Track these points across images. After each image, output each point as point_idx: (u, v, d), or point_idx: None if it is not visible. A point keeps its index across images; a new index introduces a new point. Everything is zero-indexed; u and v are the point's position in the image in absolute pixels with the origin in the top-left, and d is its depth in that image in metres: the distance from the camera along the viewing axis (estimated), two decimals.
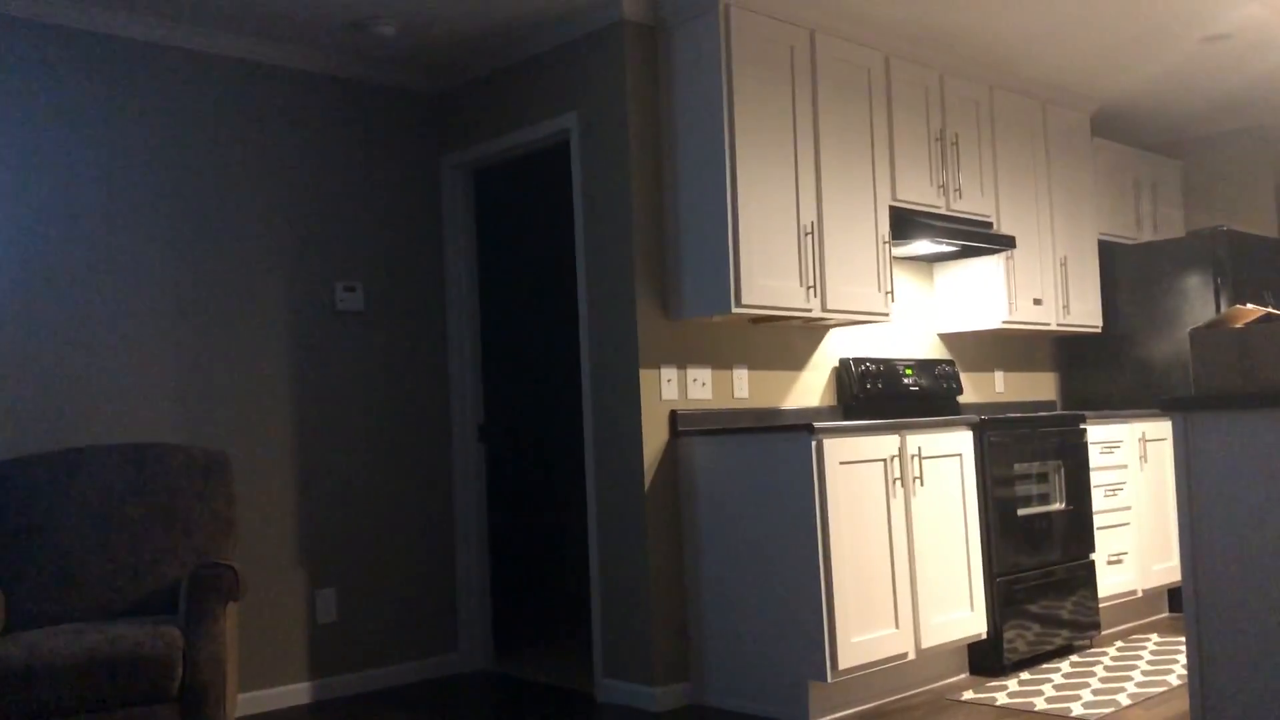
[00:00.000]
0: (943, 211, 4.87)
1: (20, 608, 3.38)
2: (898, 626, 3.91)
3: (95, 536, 3.51)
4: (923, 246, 4.84)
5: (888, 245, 4.55)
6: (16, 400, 3.79)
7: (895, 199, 4.64)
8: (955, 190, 4.93)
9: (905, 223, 4.60)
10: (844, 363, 4.76)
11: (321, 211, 4.60)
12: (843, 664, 3.69)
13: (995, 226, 5.15)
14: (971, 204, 5.01)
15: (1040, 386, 5.92)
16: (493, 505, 6.05)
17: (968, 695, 3.97)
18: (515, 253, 6.42)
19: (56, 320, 3.90)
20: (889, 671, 3.99)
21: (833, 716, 3.79)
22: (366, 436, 4.65)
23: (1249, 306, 3.11)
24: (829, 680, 3.67)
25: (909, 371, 4.97)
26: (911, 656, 3.95)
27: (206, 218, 4.28)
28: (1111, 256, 5.87)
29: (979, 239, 4.83)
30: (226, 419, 4.26)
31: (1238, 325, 3.04)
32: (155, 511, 3.60)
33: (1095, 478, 4.90)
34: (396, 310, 4.80)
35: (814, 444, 3.71)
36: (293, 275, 4.49)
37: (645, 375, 4.08)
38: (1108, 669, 4.27)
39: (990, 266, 5.17)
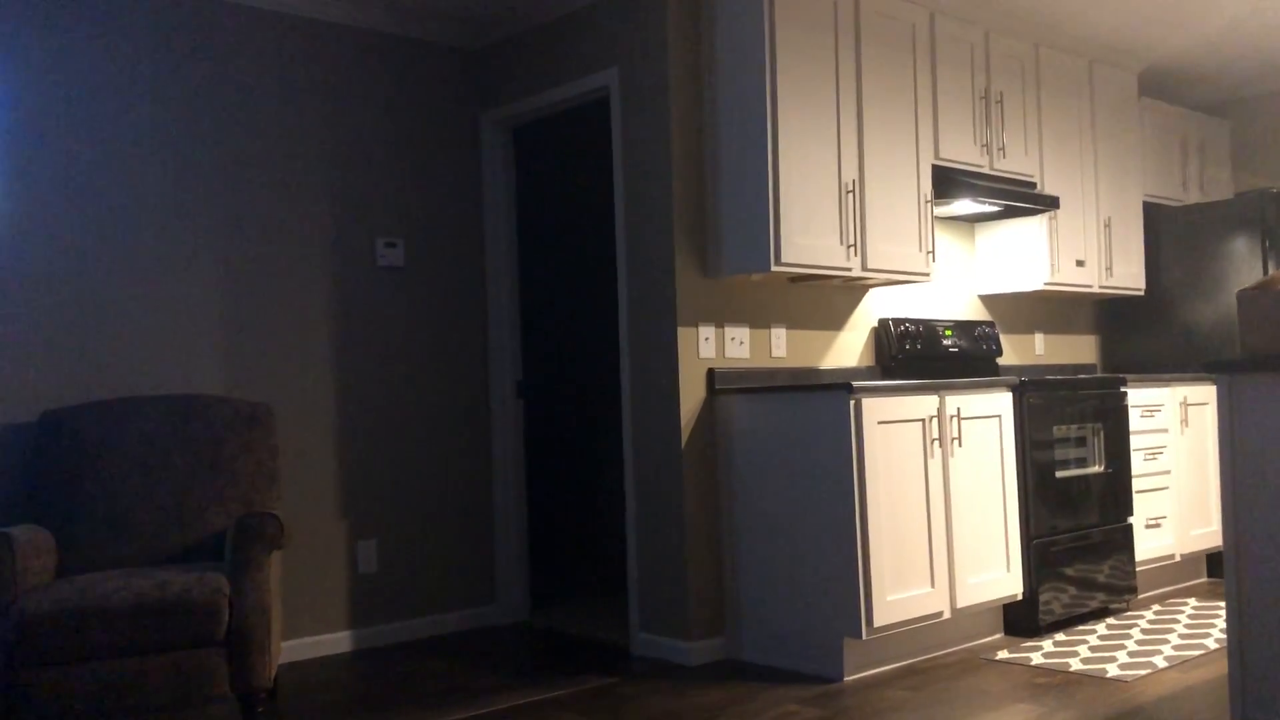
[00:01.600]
0: (986, 171, 4.82)
1: (71, 553, 3.46)
2: (933, 586, 3.92)
3: (142, 485, 3.58)
4: (965, 206, 4.79)
5: (929, 204, 4.51)
6: (66, 351, 3.86)
7: (938, 158, 4.59)
8: (999, 149, 4.87)
9: (947, 182, 4.56)
10: (883, 323, 4.74)
11: (363, 167, 4.62)
12: (878, 621, 3.71)
13: (1039, 187, 5.09)
14: (1015, 163, 4.96)
15: (1081, 349, 5.87)
16: (531, 461, 6.10)
17: (1002, 655, 3.98)
18: (554, 210, 6.42)
19: (106, 275, 3.96)
20: (924, 630, 4.01)
21: (867, 673, 3.81)
22: (407, 391, 4.70)
23: None
24: (864, 637, 3.69)
25: (948, 333, 4.94)
26: (946, 616, 3.96)
27: (251, 172, 4.32)
28: (1157, 218, 5.79)
29: (1022, 199, 4.78)
30: (270, 372, 4.32)
31: None
32: (201, 461, 3.66)
33: (1135, 441, 4.86)
34: (437, 266, 4.82)
35: (852, 403, 3.71)
36: (335, 231, 4.52)
37: (683, 333, 4.08)
38: (1144, 632, 4.26)
39: (1032, 227, 5.12)
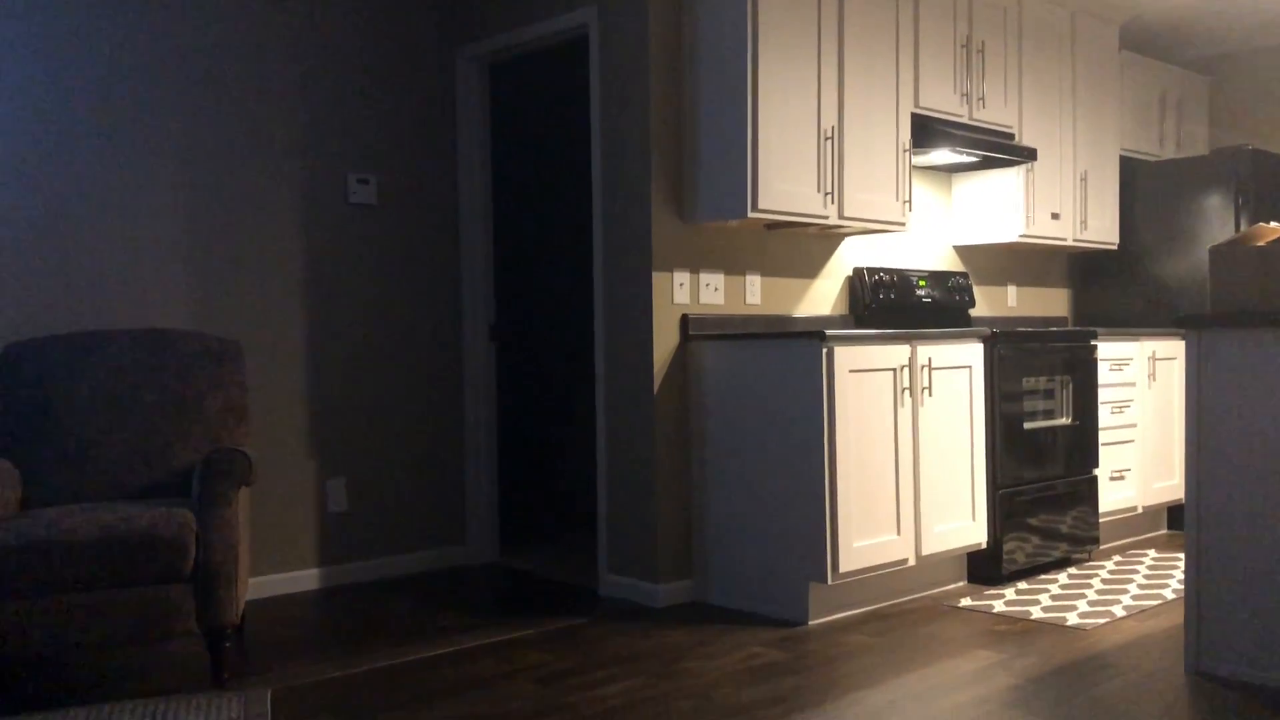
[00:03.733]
0: (965, 121, 4.80)
1: (35, 487, 3.43)
2: (899, 533, 3.96)
3: (109, 419, 3.55)
4: (943, 156, 4.77)
5: (908, 153, 4.49)
6: (31, 283, 3.80)
7: (918, 106, 4.56)
8: (979, 99, 4.84)
9: (927, 131, 4.54)
10: (858, 272, 4.74)
11: (336, 102, 4.54)
12: (843, 567, 3.75)
13: (1017, 138, 5.08)
14: (994, 114, 4.93)
15: (1053, 302, 5.90)
16: (502, 403, 6.09)
17: (965, 602, 4.04)
18: (530, 150, 6.35)
19: (72, 206, 3.88)
20: (889, 576, 4.05)
21: (831, 618, 3.86)
22: (378, 331, 4.67)
23: (1271, 225, 3.08)
24: (829, 582, 3.73)
25: (922, 283, 4.94)
26: (911, 563, 4.01)
27: (222, 106, 4.23)
28: (1133, 173, 5.79)
29: (1000, 150, 4.77)
30: (239, 308, 4.27)
31: (1259, 244, 3.02)
32: (168, 396, 3.63)
33: (1103, 394, 4.91)
34: (409, 204, 4.77)
35: (824, 351, 3.71)
36: (306, 165, 4.45)
37: (658, 278, 4.07)
38: (1104, 581, 4.33)
39: (1009, 179, 5.11)
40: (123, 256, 3.99)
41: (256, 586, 4.30)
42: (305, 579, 4.44)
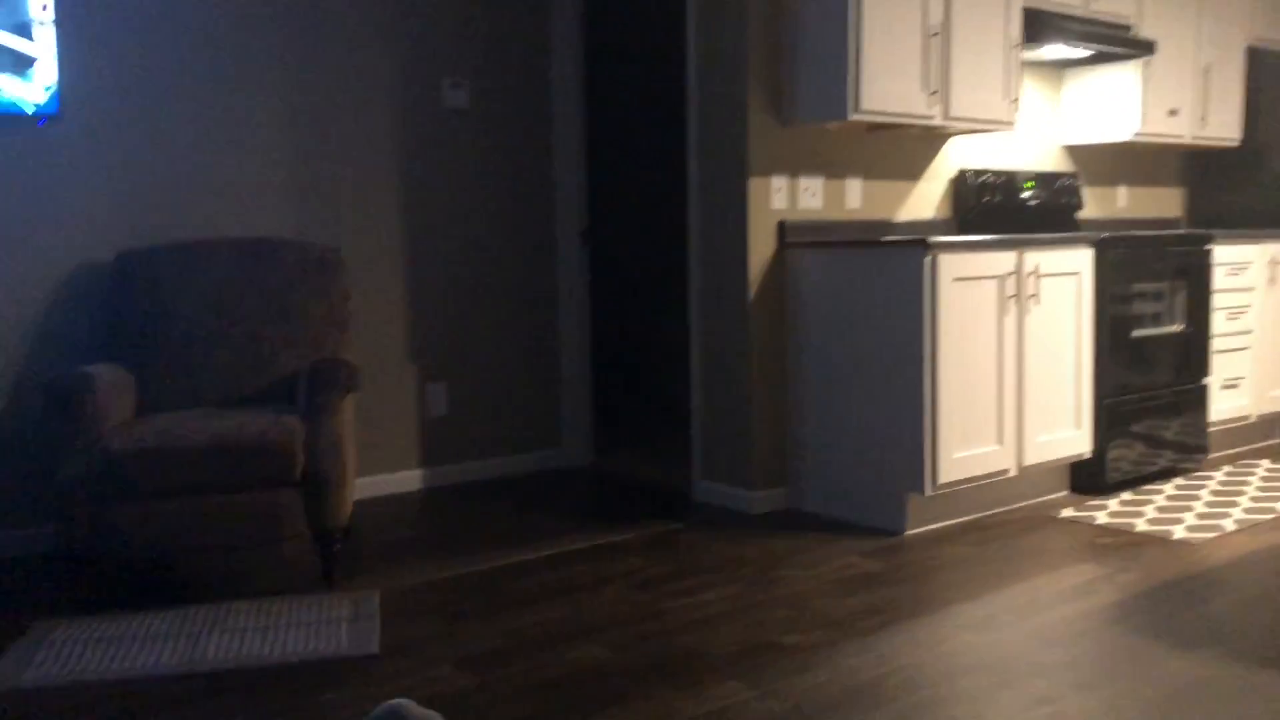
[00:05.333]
0: (1079, 13, 4.56)
1: (149, 393, 3.55)
2: (1000, 443, 3.89)
3: (216, 327, 3.63)
4: (1054, 50, 4.55)
5: (1017, 49, 4.28)
6: (142, 194, 3.87)
7: None
8: None
9: (1038, 24, 4.32)
10: (962, 174, 4.59)
11: (429, 5, 4.49)
12: (942, 478, 3.71)
13: (1135, 30, 4.81)
14: (1111, 4, 4.67)
15: (1166, 203, 5.65)
16: (595, 307, 6.10)
17: (1067, 513, 3.97)
18: (624, 52, 6.23)
19: (180, 120, 3.93)
20: (988, 487, 4.00)
21: (928, 528, 3.83)
22: (473, 236, 4.68)
23: None
24: (927, 494, 3.69)
25: (1029, 185, 4.77)
26: (1012, 473, 3.95)
27: (316, 13, 4.21)
28: (1259, 65, 5.46)
29: (1116, 43, 4.52)
30: (338, 216, 4.31)
31: None
32: (272, 305, 3.69)
33: (1218, 300, 4.72)
34: (502, 108, 4.72)
35: (928, 260, 3.61)
36: (401, 71, 4.43)
37: (755, 183, 3.98)
38: (1214, 493, 4.22)
39: (1125, 74, 4.86)
40: (227, 167, 4.04)
41: (361, 487, 4.42)
42: (407, 480, 4.55)
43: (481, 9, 4.64)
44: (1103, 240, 4.17)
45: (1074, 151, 5.16)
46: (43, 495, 3.77)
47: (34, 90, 3.48)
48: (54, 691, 2.53)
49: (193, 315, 3.63)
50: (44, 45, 3.49)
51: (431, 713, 1.25)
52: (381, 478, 4.48)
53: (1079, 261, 4.10)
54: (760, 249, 4.02)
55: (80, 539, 3.02)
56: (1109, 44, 4.49)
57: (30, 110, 3.49)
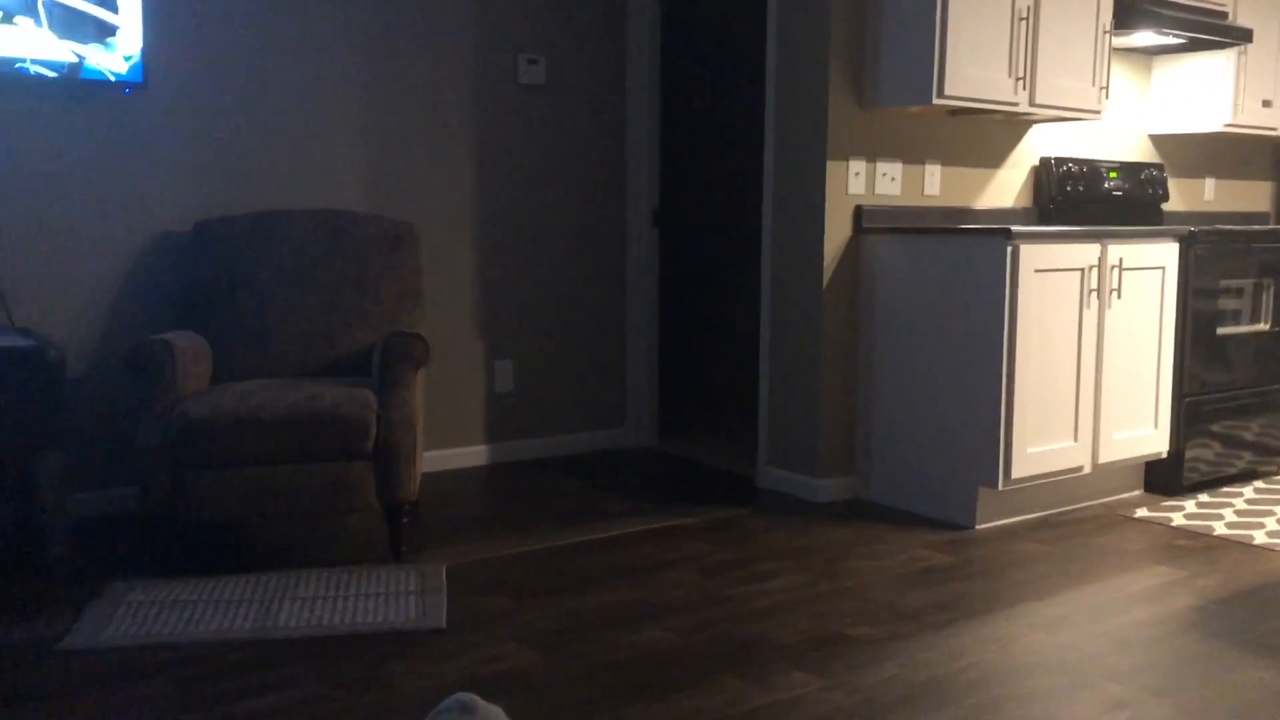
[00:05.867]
0: None
1: (224, 361, 3.59)
2: (1076, 439, 3.81)
3: (291, 298, 3.67)
4: (1145, 38, 4.43)
5: (1108, 35, 4.17)
6: (221, 163, 3.92)
7: None
8: None
9: (1129, 10, 4.20)
10: (1044, 162, 4.48)
11: None
12: (1015, 473, 3.64)
13: (1231, 17, 4.66)
14: None
15: (1255, 196, 5.49)
16: (664, 288, 6.07)
17: (1141, 513, 3.88)
18: (701, 30, 6.17)
19: (257, 90, 3.96)
20: (1061, 483, 3.92)
21: (999, 522, 3.77)
22: (545, 213, 4.67)
23: None
24: (1000, 488, 3.63)
25: (1113, 174, 4.65)
26: (1087, 470, 3.87)
27: None
28: None
29: (1210, 30, 4.38)
30: (411, 190, 4.32)
31: None
32: (348, 278, 3.72)
33: None
34: (577, 85, 4.70)
35: (1010, 250, 3.54)
36: (477, 46, 4.42)
37: (832, 167, 3.92)
38: None
39: (1218, 62, 4.71)
40: (305, 139, 4.07)
41: (429, 460, 4.46)
42: (473, 455, 4.57)
43: None
44: (1189, 234, 4.06)
45: (1160, 141, 5.02)
46: (123, 459, 3.85)
47: (115, 60, 3.52)
48: (129, 651, 2.58)
49: (269, 285, 3.67)
50: (127, 14, 3.53)
51: (495, 708, 1.25)
52: (448, 452, 4.51)
53: (1163, 255, 4.00)
54: (836, 234, 3.97)
55: (158, 503, 3.07)
56: (1202, 31, 4.35)
57: (112, 79, 3.53)
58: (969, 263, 3.64)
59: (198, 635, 2.67)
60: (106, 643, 2.62)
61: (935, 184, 4.19)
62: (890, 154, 4.07)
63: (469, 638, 2.68)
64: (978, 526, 3.72)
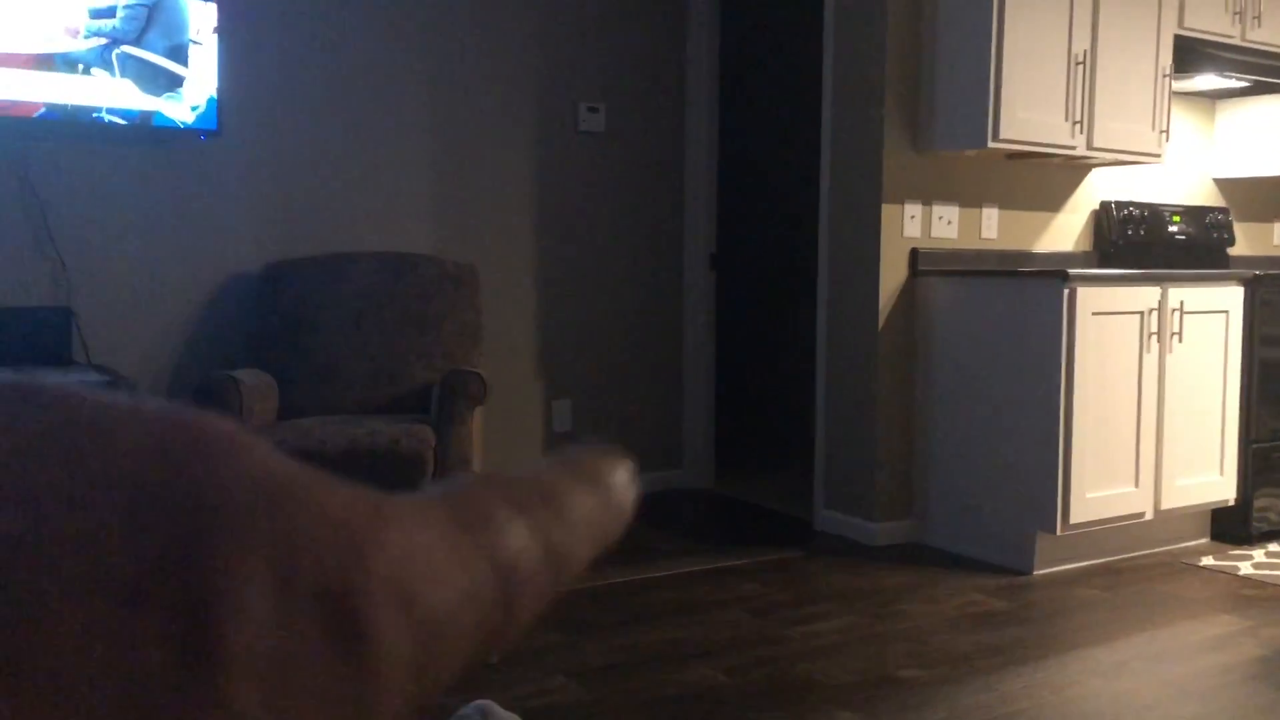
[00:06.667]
0: (1236, 42, 4.39)
1: (290, 398, 3.69)
2: (1137, 485, 3.75)
3: (355, 337, 3.77)
4: (1208, 81, 4.40)
5: (1168, 79, 4.15)
6: (291, 207, 4.05)
7: (1182, 26, 4.20)
8: (1254, 17, 4.41)
9: (1191, 54, 4.18)
10: (1104, 206, 4.46)
11: (567, 31, 4.58)
12: (1074, 518, 3.59)
13: None
14: (1271, 34, 4.49)
15: None
16: (721, 331, 6.10)
17: (1206, 561, 3.80)
18: (758, 77, 6.25)
19: (326, 137, 4.10)
20: (1122, 529, 3.86)
21: (1057, 568, 3.72)
22: (603, 258, 4.74)
23: None
24: (1059, 533, 3.58)
25: (1176, 219, 4.60)
26: (1149, 516, 3.80)
27: (457, 35, 4.35)
28: None
29: (1276, 74, 4.34)
30: (473, 233, 4.42)
31: None
32: (409, 317, 3.81)
33: None
34: (637, 132, 4.79)
35: (1066, 292, 3.52)
36: (538, 95, 4.53)
37: (888, 210, 3.94)
38: None
39: None
40: (372, 184, 4.19)
41: None
42: None
43: (620, 35, 4.72)
44: (1254, 278, 4.00)
45: (1226, 185, 4.96)
46: None
47: (183, 109, 3.67)
48: None
49: (334, 324, 3.77)
50: (197, 67, 3.68)
51: (513, 715, 1.27)
52: None
53: (1228, 299, 3.94)
54: (891, 276, 3.98)
55: None
56: (1268, 75, 4.31)
57: (181, 127, 3.68)
58: (1025, 305, 3.63)
59: None
60: None
61: (993, 227, 4.18)
62: (946, 197, 4.07)
63: (518, 670, 2.70)
64: (1036, 572, 3.67)
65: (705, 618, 3.15)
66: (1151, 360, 3.75)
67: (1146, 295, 3.71)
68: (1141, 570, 3.72)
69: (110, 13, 3.49)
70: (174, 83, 3.66)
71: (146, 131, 3.64)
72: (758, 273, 6.37)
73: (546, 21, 4.53)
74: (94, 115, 3.52)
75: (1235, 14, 4.35)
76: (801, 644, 2.93)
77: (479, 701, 1.28)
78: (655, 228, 4.88)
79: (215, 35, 3.69)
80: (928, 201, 4.03)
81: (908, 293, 4.02)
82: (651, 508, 4.58)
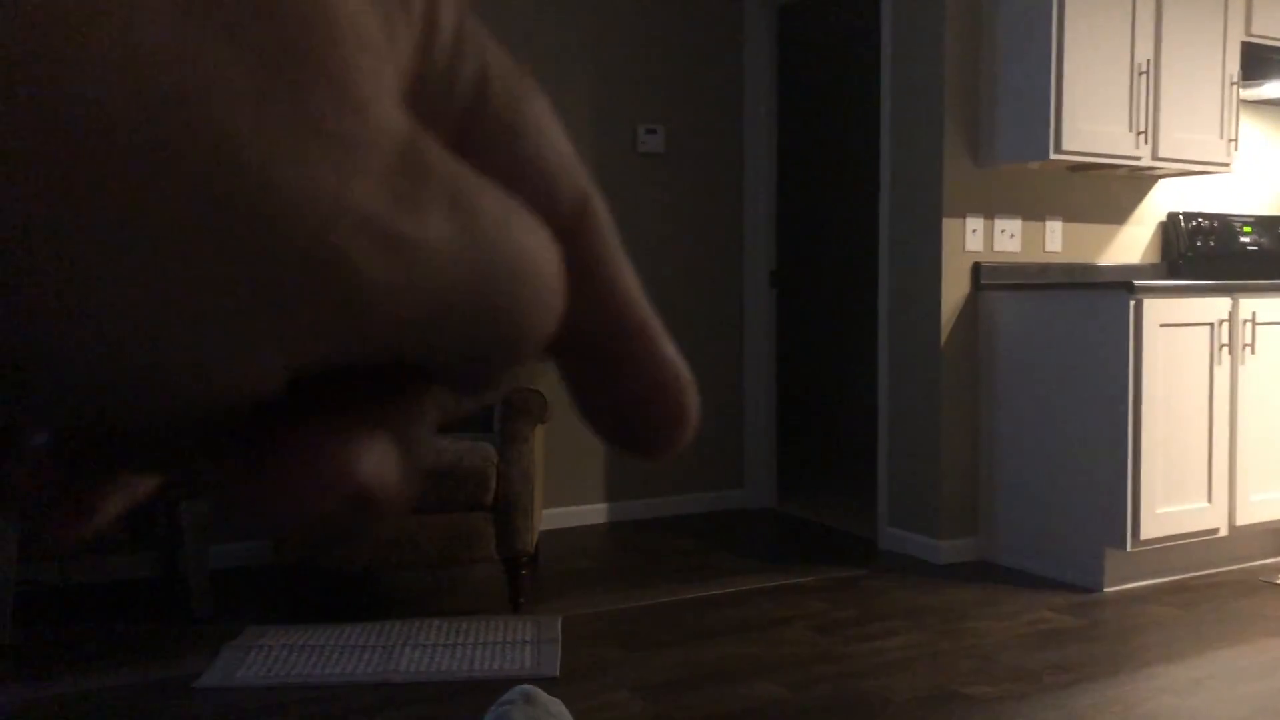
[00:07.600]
0: None
1: None
2: (1210, 501, 3.67)
3: None
4: (1278, 88, 4.31)
5: (1235, 87, 4.08)
6: None
7: (1249, 34, 4.13)
8: None
9: (1259, 61, 4.11)
10: (1172, 217, 4.38)
11: (627, 52, 4.63)
12: (1145, 534, 3.52)
13: None
14: None
15: None
16: (782, 350, 6.09)
17: None
18: (816, 94, 6.25)
19: None
20: (1195, 546, 3.77)
21: (1128, 585, 3.64)
22: (663, 275, 4.77)
23: None
24: (1128, 549, 3.52)
25: (1247, 229, 4.51)
26: (1223, 533, 3.71)
27: (516, 61, 4.41)
28: None
29: None
30: None
31: None
32: None
33: None
34: (695, 152, 4.82)
35: (1133, 304, 3.47)
36: (597, 117, 4.58)
37: (949, 224, 3.92)
38: None
39: None
40: None
41: (550, 517, 4.54)
42: (594, 513, 4.64)
43: (678, 56, 4.76)
44: None
45: None
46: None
47: None
48: (260, 691, 2.70)
49: None
50: None
51: (556, 700, 1.29)
52: (569, 509, 4.59)
53: None
54: (954, 291, 3.94)
55: (292, 553, 3.22)
56: None
57: None
58: (1091, 317, 3.58)
59: (324, 678, 2.77)
60: (239, 683, 2.74)
61: (1057, 240, 4.13)
62: (1009, 210, 4.04)
63: (582, 686, 2.72)
64: (1105, 589, 3.60)
65: (768, 634, 3.14)
66: (1223, 372, 3.67)
67: (1217, 306, 3.64)
68: (1215, 587, 3.64)
69: None
70: None
71: None
72: (818, 289, 6.35)
73: (604, 44, 4.58)
74: None
75: None
76: (866, 660, 2.91)
77: (523, 687, 1.30)
78: (715, 246, 4.89)
79: None
80: (990, 215, 3.99)
81: (970, 307, 3.99)
82: (714, 527, 4.58)
